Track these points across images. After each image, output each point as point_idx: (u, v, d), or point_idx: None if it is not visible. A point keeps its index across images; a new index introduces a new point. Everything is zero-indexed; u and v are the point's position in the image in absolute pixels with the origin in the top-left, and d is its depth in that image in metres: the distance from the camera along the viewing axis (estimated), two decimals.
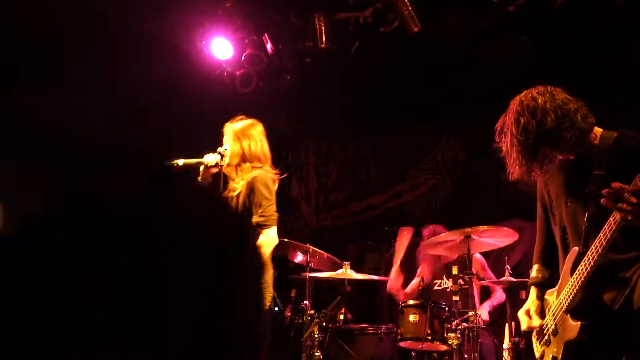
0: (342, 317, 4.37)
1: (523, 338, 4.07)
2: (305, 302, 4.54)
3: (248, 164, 4.01)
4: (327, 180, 8.27)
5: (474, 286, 4.20)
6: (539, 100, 2.60)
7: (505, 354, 4.10)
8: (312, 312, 4.38)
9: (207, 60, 6.21)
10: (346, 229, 8.00)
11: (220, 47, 6.10)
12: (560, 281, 2.72)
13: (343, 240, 7.82)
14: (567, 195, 2.73)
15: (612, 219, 2.36)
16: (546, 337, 2.76)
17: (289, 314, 4.71)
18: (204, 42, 6.07)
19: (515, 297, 4.33)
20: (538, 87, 2.69)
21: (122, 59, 5.54)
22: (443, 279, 4.89)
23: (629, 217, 2.22)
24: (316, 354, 4.24)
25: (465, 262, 4.27)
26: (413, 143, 7.85)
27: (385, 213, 7.78)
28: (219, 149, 4.00)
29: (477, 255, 4.72)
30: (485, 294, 4.89)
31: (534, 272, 2.97)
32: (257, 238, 3.71)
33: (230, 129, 4.13)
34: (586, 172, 2.60)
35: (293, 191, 8.44)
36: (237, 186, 3.96)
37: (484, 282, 4.59)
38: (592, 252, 2.48)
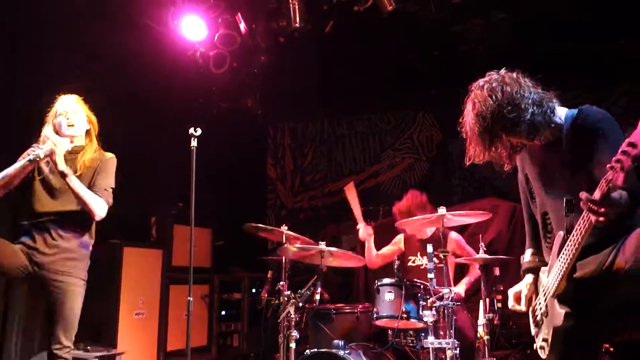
0: (318, 297, 4.36)
1: (497, 314, 4.12)
2: (281, 282, 4.53)
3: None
4: (303, 161, 8.25)
5: (449, 264, 4.20)
6: (496, 85, 2.59)
7: (480, 329, 4.14)
8: (289, 292, 4.36)
9: (179, 40, 6.10)
10: (323, 210, 8.01)
11: (193, 27, 5.99)
12: (550, 263, 2.73)
13: (320, 221, 7.83)
14: (544, 182, 2.73)
15: (585, 218, 2.37)
16: (538, 317, 2.78)
17: (266, 295, 4.70)
18: (175, 22, 5.95)
19: (489, 274, 4.37)
20: (499, 72, 2.67)
21: (89, 38, 5.40)
22: (417, 256, 4.90)
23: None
24: (293, 334, 4.23)
25: (439, 240, 4.29)
26: (389, 123, 7.86)
27: (362, 193, 7.78)
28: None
29: (453, 235, 4.73)
30: (461, 270, 4.93)
31: (528, 256, 2.96)
32: None
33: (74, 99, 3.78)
34: (556, 157, 2.60)
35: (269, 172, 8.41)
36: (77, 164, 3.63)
37: (459, 260, 4.61)
38: (570, 247, 2.49)
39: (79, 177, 3.56)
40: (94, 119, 3.81)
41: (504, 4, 5.88)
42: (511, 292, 2.92)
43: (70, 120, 3.67)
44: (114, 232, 5.47)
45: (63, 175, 3.46)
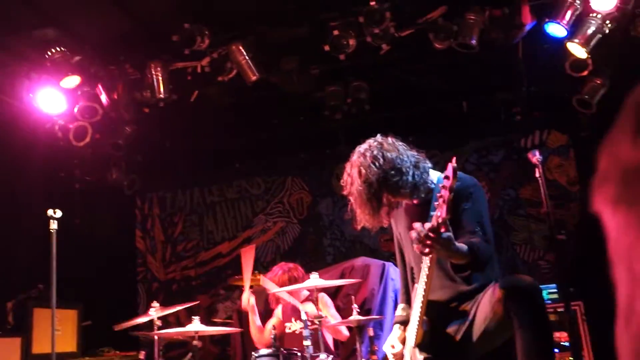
0: None
1: None
2: None
3: None
4: (174, 231, 8.06)
5: (323, 328, 4.20)
6: (377, 152, 2.79)
7: None
8: None
9: (35, 114, 5.83)
10: (196, 280, 7.82)
11: (50, 100, 5.75)
12: (411, 318, 2.86)
13: (193, 291, 7.62)
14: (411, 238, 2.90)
15: (424, 263, 2.59)
16: None
17: None
18: (31, 95, 5.70)
19: (363, 335, 4.44)
20: (376, 139, 2.89)
21: None
22: (292, 321, 4.85)
23: (426, 251, 2.47)
24: None
25: (314, 302, 4.29)
26: (259, 188, 7.92)
27: (235, 260, 7.71)
28: None
29: (322, 296, 4.75)
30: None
31: (399, 310, 3.12)
32: None
33: None
34: (426, 214, 2.78)
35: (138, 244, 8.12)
36: None
37: (333, 324, 4.61)
38: (421, 290, 2.65)
39: None
40: None
41: (359, 73, 6.22)
42: (386, 347, 3.02)
43: None
44: None
45: None
